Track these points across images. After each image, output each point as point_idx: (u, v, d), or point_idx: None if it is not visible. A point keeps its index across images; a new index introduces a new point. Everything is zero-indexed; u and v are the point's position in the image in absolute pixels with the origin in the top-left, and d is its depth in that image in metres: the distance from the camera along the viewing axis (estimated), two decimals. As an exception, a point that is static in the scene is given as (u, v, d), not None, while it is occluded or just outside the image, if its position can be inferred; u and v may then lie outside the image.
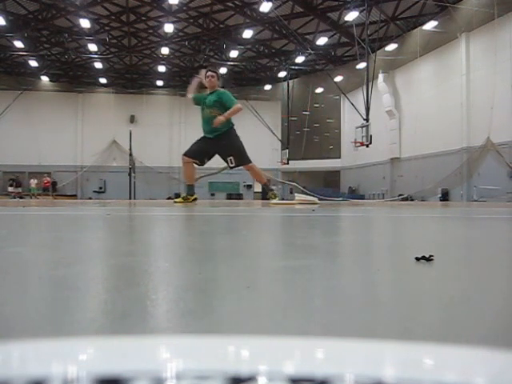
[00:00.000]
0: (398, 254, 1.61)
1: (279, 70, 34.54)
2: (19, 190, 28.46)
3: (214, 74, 7.30)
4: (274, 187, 8.29)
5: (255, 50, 31.01)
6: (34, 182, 30.18)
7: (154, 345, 0.39)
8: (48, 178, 31.12)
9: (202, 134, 7.51)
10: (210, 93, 7.30)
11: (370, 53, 23.96)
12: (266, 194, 8.24)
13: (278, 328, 0.64)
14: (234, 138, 7.32)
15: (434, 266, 1.18)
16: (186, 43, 29.86)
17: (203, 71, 7.52)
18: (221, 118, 6.97)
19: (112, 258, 1.40)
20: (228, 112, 7.04)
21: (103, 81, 35.56)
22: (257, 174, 7.82)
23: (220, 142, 7.19)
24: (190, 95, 7.56)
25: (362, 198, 29.75)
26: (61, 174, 34.09)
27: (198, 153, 7.34)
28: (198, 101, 7.43)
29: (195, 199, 7.79)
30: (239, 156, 7.33)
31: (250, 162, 7.50)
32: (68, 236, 2.21)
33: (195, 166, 7.49)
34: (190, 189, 7.70)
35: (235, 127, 7.40)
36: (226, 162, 7.34)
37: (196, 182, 7.98)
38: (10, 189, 28.78)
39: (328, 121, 35.98)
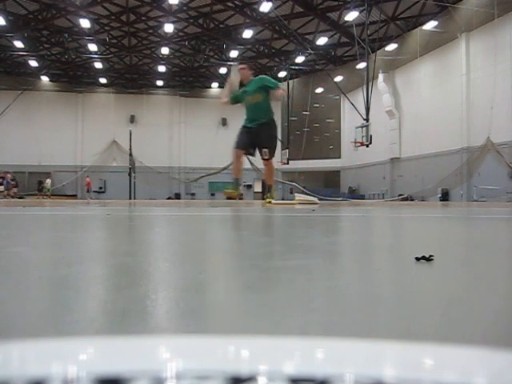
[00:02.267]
0: (398, 254, 1.60)
1: (279, 70, 34.54)
2: (14, 190, 28.19)
3: (244, 66, 7.57)
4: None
5: (255, 50, 31.02)
6: (49, 183, 30.29)
7: (153, 345, 0.38)
8: (88, 179, 31.04)
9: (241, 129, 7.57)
10: (247, 84, 7.41)
11: (370, 53, 23.96)
12: (264, 194, 8.31)
13: (277, 328, 0.64)
14: (274, 130, 7.44)
15: (434, 265, 1.18)
16: (186, 43, 29.86)
17: (234, 69, 7.68)
18: (281, 92, 7.09)
19: (112, 258, 1.40)
20: (280, 91, 7.21)
21: (103, 81, 35.58)
22: (271, 173, 7.85)
23: (261, 131, 7.22)
24: (225, 99, 7.58)
25: (362, 197, 29.77)
26: (61, 174, 34.10)
27: (248, 144, 7.32)
28: (236, 99, 7.49)
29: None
30: (272, 149, 7.36)
31: (273, 156, 7.50)
32: (68, 236, 2.21)
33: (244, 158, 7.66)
34: (237, 182, 7.77)
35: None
36: (261, 153, 7.34)
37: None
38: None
39: (328, 121, 35.99)
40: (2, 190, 26.74)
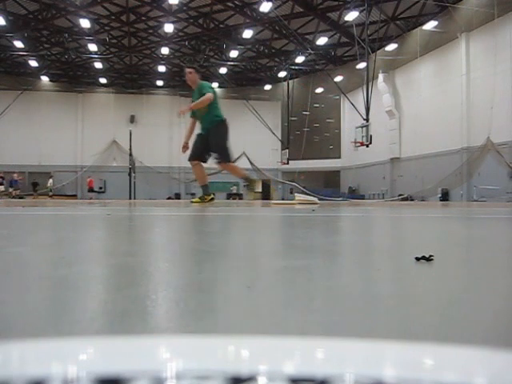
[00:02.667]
0: (398, 254, 1.60)
1: (279, 70, 34.55)
2: (10, 189, 28.06)
3: (191, 69, 7.27)
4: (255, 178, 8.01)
5: (255, 50, 31.02)
6: (51, 183, 30.26)
7: (154, 345, 0.38)
8: (90, 179, 31.04)
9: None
10: (194, 90, 7.25)
11: (370, 53, 23.97)
12: (247, 188, 7.97)
13: (278, 328, 0.64)
14: (220, 134, 7.15)
15: (434, 265, 1.18)
16: (186, 43, 29.87)
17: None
18: (184, 109, 6.91)
19: (112, 258, 1.40)
20: (195, 103, 6.98)
21: (103, 81, 35.58)
22: (233, 171, 7.60)
23: (209, 137, 7.11)
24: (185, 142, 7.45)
25: (362, 198, 29.77)
26: (61, 174, 34.09)
27: (198, 151, 7.23)
28: (193, 112, 7.35)
29: (212, 199, 7.65)
30: (221, 153, 7.11)
31: (229, 160, 7.20)
32: (68, 236, 2.21)
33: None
34: (205, 189, 7.57)
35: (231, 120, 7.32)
36: (205, 156, 7.18)
37: (196, 182, 7.88)
38: None
39: (328, 121, 35.99)
40: (3, 189, 26.70)
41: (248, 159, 37.16)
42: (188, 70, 7.26)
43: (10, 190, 27.13)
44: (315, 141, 35.57)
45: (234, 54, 30.28)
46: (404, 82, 27.90)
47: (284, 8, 25.60)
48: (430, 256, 1.23)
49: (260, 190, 37.14)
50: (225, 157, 7.13)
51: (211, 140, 7.13)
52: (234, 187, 36.05)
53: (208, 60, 32.57)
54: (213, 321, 0.68)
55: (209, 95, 6.94)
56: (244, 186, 8.18)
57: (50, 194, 29.37)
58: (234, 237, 2.28)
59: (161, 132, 36.23)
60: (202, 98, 6.95)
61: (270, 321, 0.69)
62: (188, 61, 33.15)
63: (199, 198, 7.67)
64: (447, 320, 0.70)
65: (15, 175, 27.85)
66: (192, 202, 8.08)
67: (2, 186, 26.71)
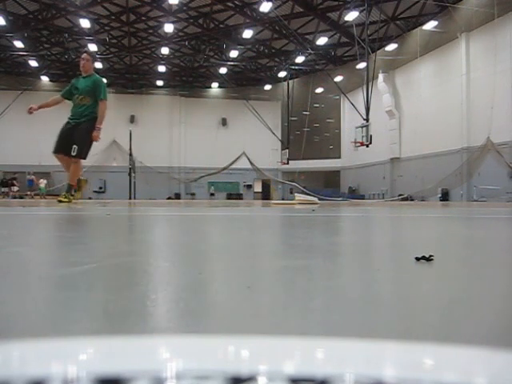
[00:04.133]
0: (398, 254, 1.60)
1: (279, 70, 34.56)
2: (6, 189, 28.04)
3: (89, 57, 7.17)
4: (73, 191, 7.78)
5: (255, 50, 31.02)
6: (43, 182, 30.15)
7: (154, 345, 0.39)
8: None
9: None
10: (84, 77, 7.11)
11: (370, 53, 23.97)
12: (65, 192, 7.82)
13: (277, 328, 0.64)
14: (88, 129, 7.11)
15: (434, 265, 1.18)
16: (186, 43, 29.87)
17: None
18: (96, 135, 7.01)
19: (112, 258, 1.40)
20: (98, 121, 7.12)
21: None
22: (75, 172, 7.31)
23: (77, 128, 7.03)
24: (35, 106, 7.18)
25: (362, 197, 29.77)
26: (61, 174, 34.05)
27: (64, 142, 7.01)
28: (68, 94, 7.18)
29: (73, 198, 7.53)
30: (81, 147, 7.01)
31: (83, 157, 7.13)
32: (67, 236, 2.21)
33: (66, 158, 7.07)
34: (69, 188, 7.48)
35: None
36: (70, 148, 6.97)
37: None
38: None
39: (328, 121, 36.00)
40: (17, 189, 26.92)
41: (248, 159, 37.21)
42: (86, 56, 7.16)
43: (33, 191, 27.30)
44: (315, 141, 35.57)
45: (234, 53, 30.29)
46: (404, 82, 27.90)
47: (284, 8, 25.60)
48: (430, 256, 1.23)
49: (260, 189, 37.17)
50: (82, 153, 7.05)
51: (79, 132, 7.03)
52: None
53: (208, 60, 32.57)
54: (213, 321, 0.68)
55: (104, 106, 7.10)
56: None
57: (41, 194, 29.13)
58: (235, 237, 2.28)
59: (161, 132, 36.23)
60: (101, 113, 7.14)
61: (269, 321, 0.68)
62: (188, 61, 33.16)
63: (64, 197, 7.56)
64: (447, 320, 0.70)
65: (32, 176, 27.89)
66: (58, 199, 7.93)
67: (15, 187, 26.80)
